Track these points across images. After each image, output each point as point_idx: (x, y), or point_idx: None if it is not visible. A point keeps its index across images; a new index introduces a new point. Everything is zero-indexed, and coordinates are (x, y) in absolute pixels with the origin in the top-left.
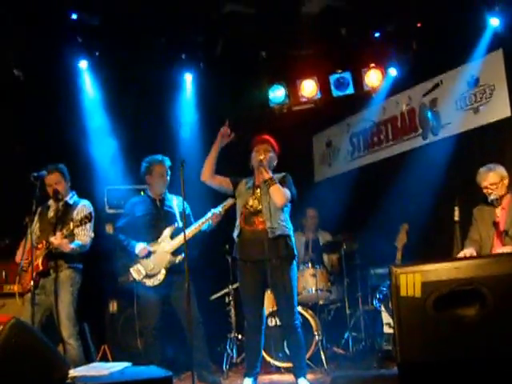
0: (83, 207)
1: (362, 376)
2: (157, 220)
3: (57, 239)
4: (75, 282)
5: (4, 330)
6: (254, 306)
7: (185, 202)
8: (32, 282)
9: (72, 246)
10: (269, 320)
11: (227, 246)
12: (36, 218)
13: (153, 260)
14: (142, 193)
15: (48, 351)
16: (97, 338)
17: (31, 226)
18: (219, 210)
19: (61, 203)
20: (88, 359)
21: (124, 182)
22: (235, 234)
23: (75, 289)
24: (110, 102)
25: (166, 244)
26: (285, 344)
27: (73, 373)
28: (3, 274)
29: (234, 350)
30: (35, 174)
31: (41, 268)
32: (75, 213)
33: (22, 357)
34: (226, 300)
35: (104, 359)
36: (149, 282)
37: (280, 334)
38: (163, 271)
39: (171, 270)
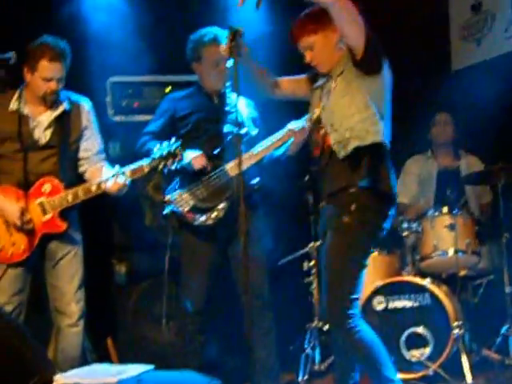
0: (88, 106)
1: None
2: (212, 122)
3: (118, 182)
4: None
5: None
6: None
7: (252, 104)
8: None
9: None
10: (375, 301)
11: (307, 178)
12: None
13: (208, 184)
14: (168, 89)
15: (25, 346)
16: (94, 327)
17: None
18: (302, 124)
19: (56, 112)
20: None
21: (138, 71)
22: None
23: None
24: None
25: (229, 164)
26: (402, 341)
27: (61, 379)
28: None
29: (317, 350)
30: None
31: (62, 228)
32: (83, 122)
33: None
34: (305, 266)
35: (106, 359)
36: (199, 219)
37: (394, 326)
38: (223, 205)
39: (235, 204)
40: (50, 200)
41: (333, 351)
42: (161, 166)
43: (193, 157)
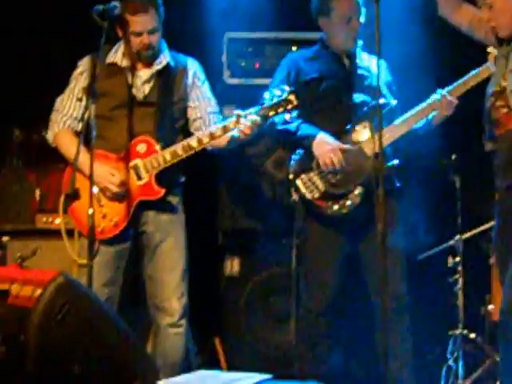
0: (195, 66)
1: None
2: (343, 90)
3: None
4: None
5: (43, 297)
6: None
7: (385, 64)
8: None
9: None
10: None
11: (453, 158)
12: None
13: (340, 167)
14: (295, 49)
15: (125, 345)
16: (200, 325)
17: (92, 106)
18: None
19: (158, 66)
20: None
21: (260, 26)
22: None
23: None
24: None
25: (365, 141)
26: None
27: None
28: (36, 193)
29: (461, 362)
30: (100, 8)
31: (160, 193)
32: (188, 81)
33: (73, 349)
34: (450, 262)
35: (213, 363)
36: (333, 207)
37: None
38: (358, 190)
39: (371, 188)
40: (145, 162)
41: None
42: (271, 114)
43: (322, 143)
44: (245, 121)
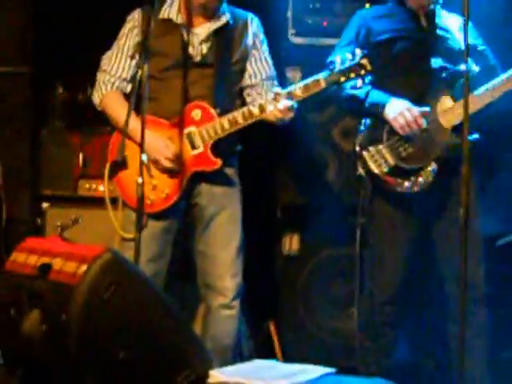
0: (256, 23)
1: None
2: (420, 53)
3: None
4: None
5: (89, 274)
6: None
7: (473, 28)
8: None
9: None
10: None
11: None
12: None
13: (414, 139)
14: (366, 5)
15: (177, 330)
16: (254, 308)
17: (144, 65)
18: None
19: (217, 24)
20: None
21: None
22: None
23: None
24: None
25: (443, 111)
26: None
27: (217, 376)
28: (79, 158)
29: None
30: None
31: (216, 165)
32: (248, 40)
33: (118, 332)
34: None
35: (266, 348)
36: (403, 185)
37: None
38: (432, 166)
39: (450, 163)
40: (200, 130)
41: None
42: (342, 80)
43: (397, 109)
44: (282, 103)
